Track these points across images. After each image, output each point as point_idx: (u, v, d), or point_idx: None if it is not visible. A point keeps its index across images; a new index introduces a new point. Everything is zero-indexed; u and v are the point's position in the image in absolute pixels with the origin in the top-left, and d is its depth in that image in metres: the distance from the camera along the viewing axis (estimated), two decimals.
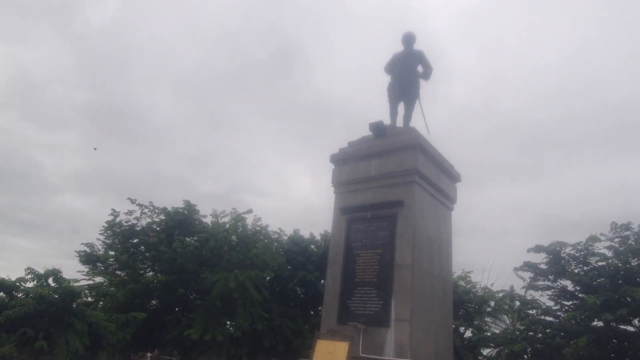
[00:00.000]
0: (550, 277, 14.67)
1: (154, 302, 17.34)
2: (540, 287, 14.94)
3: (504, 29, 58.63)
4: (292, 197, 61.75)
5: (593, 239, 13.93)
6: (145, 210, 17.84)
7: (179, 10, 57.27)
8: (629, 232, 13.66)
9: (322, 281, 15.78)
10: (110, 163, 55.90)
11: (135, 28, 56.34)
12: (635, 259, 13.16)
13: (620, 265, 13.29)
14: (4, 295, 13.46)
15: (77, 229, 51.32)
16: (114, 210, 17.47)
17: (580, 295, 13.92)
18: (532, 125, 53.99)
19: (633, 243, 13.37)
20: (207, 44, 59.50)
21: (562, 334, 14.16)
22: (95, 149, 48.61)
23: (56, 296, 13.02)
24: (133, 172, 53.62)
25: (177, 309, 17.30)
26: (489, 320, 19.39)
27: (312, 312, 18.83)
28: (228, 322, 16.52)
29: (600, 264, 13.79)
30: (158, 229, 17.50)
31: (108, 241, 17.56)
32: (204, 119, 62.50)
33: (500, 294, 18.00)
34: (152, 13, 56.16)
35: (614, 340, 13.30)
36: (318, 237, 19.52)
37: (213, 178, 58.85)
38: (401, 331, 6.94)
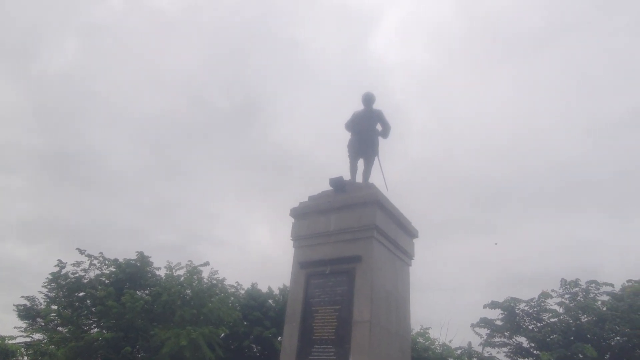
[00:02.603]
0: (505, 333, 14.88)
1: None
2: (497, 343, 15.10)
3: (457, 89, 62.27)
4: (251, 249, 60.57)
5: (545, 295, 14.38)
6: (95, 262, 16.95)
7: (141, 59, 57.69)
8: (577, 289, 14.21)
9: (279, 338, 15.27)
10: (59, 210, 53.40)
11: (95, 74, 55.93)
12: (585, 316, 13.60)
13: (571, 321, 13.69)
14: None
15: (18, 280, 47.73)
16: (60, 261, 16.49)
17: (535, 352, 14.12)
18: (486, 182, 56.36)
19: (582, 299, 13.88)
20: (168, 93, 59.69)
21: None
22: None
23: None
24: (84, 221, 51.18)
25: None
26: None
27: None
28: None
29: (552, 320, 14.16)
30: (107, 281, 16.60)
31: (51, 294, 16.44)
32: (162, 168, 61.45)
33: (459, 351, 17.96)
34: (113, 60, 56.20)
35: None
36: (276, 291, 19.09)
37: (169, 228, 57.05)
38: None
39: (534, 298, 14.53)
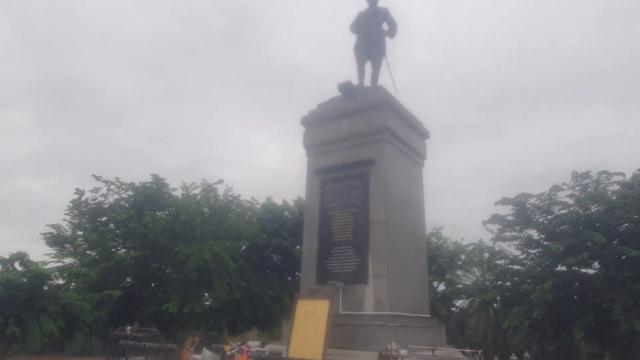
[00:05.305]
0: (516, 227, 15.24)
1: (128, 279, 17.11)
2: (508, 237, 15.52)
3: None
4: (260, 165, 61.34)
5: (556, 188, 14.48)
6: (112, 187, 17.33)
7: None
8: (588, 180, 14.26)
9: (298, 247, 15.92)
10: (67, 142, 53.64)
11: (78, 1, 53.02)
12: (595, 205, 13.79)
13: (581, 212, 13.92)
14: None
15: (39, 213, 49.24)
16: (78, 189, 16.90)
17: (544, 242, 14.55)
18: (491, 84, 54.94)
19: (592, 190, 13.99)
20: (159, 13, 56.94)
21: (528, 280, 14.85)
22: None
23: (24, 280, 12.64)
24: (92, 151, 51.51)
25: (152, 285, 17.15)
26: (460, 273, 20.16)
27: (289, 278, 19.06)
28: (206, 294, 16.53)
29: (562, 212, 14.41)
30: (127, 205, 17.10)
31: (75, 221, 17.04)
32: (162, 91, 60.46)
33: (470, 247, 18.65)
34: None
35: (576, 283, 14.08)
36: (291, 204, 19.56)
37: (177, 152, 57.52)
38: (379, 287, 7.11)
39: (544, 192, 14.66)
